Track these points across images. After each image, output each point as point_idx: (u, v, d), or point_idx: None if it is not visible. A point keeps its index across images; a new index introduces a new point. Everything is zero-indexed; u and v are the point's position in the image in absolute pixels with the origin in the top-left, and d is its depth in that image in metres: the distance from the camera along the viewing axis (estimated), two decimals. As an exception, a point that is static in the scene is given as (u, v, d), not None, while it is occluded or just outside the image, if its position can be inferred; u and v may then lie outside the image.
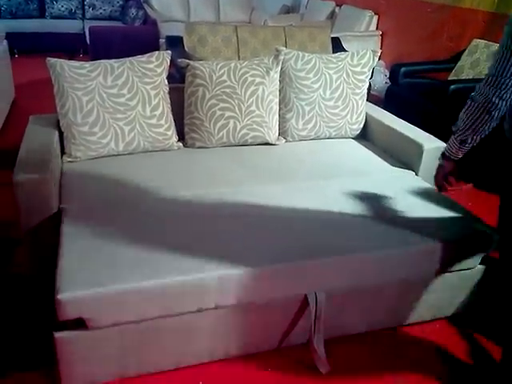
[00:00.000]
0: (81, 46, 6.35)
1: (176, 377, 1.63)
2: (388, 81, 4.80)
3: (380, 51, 5.75)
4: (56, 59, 2.18)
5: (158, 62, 2.33)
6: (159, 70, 2.33)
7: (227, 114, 2.40)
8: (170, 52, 2.39)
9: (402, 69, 4.18)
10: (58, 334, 1.46)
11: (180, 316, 1.56)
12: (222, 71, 2.39)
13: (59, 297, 1.39)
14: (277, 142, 2.57)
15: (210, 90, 2.38)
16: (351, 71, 2.63)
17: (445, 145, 1.73)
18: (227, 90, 2.39)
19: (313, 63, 2.56)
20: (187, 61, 2.41)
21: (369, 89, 4.69)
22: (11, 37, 5.08)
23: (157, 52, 2.36)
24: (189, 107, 2.42)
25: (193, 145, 2.45)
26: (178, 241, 1.67)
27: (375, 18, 5.91)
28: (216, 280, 1.54)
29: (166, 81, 2.37)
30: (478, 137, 1.57)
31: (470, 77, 3.88)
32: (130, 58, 2.31)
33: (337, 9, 6.76)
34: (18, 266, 2.13)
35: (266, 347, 1.75)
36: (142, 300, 1.48)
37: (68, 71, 2.17)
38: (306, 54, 2.59)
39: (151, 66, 2.31)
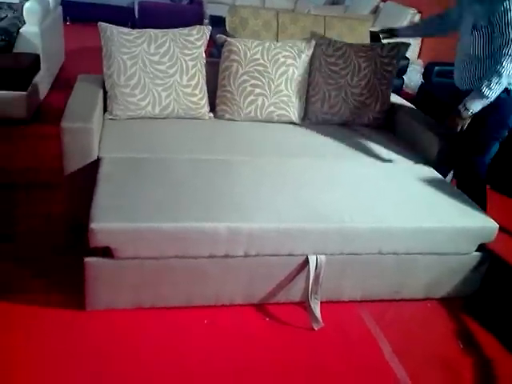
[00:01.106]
0: (129, 19, 6.61)
1: (184, 314, 1.84)
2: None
3: (412, 45, 5.80)
4: (107, 24, 2.40)
5: (199, 36, 2.52)
6: (199, 44, 2.52)
7: (257, 90, 2.57)
8: (210, 27, 2.57)
9: (436, 68, 4.23)
10: (87, 259, 1.68)
11: (193, 259, 1.76)
12: (256, 49, 2.56)
13: (92, 225, 1.61)
14: (301, 123, 2.73)
15: (244, 67, 2.55)
16: (380, 62, 2.74)
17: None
18: (259, 68, 2.56)
19: (343, 50, 2.69)
20: (225, 37, 2.59)
21: (402, 85, 4.76)
22: (65, 5, 5.37)
23: (198, 26, 2.54)
24: (222, 81, 2.60)
25: (222, 116, 2.64)
26: (197, 194, 1.87)
27: (418, 16, 5.93)
28: (227, 231, 1.73)
29: (203, 54, 2.55)
30: None
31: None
32: (173, 30, 2.50)
33: (381, 4, 6.80)
34: (58, 205, 2.36)
35: (268, 300, 1.93)
36: (161, 239, 1.69)
37: (117, 36, 2.38)
38: (339, 41, 2.72)
39: (192, 38, 2.50)
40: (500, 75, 2.08)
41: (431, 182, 2.24)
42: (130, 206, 1.73)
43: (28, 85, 3.20)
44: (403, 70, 4.50)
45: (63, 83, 4.04)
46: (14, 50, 3.37)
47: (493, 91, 2.11)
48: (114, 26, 2.41)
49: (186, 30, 2.53)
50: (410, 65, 5.47)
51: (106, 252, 1.68)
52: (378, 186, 2.15)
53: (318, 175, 2.17)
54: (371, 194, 2.07)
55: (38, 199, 2.49)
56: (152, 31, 2.47)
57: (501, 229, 2.79)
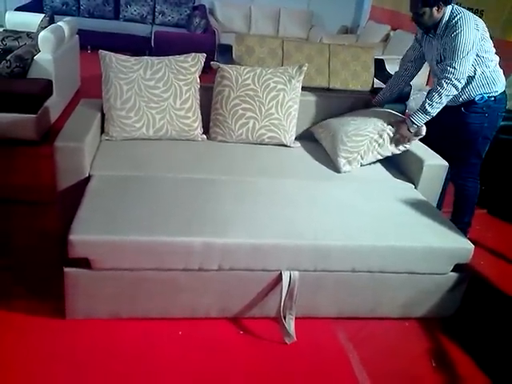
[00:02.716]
0: (147, 48, 6.88)
1: (160, 324, 1.91)
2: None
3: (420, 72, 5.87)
4: (106, 52, 2.57)
5: (193, 63, 2.66)
6: (193, 70, 2.66)
7: (248, 113, 2.68)
8: (204, 54, 2.72)
9: (438, 94, 4.27)
10: (67, 269, 1.78)
11: (169, 271, 1.84)
12: (248, 75, 2.68)
13: (71, 237, 1.72)
14: (292, 145, 2.81)
15: (235, 91, 2.67)
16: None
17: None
18: (250, 93, 2.68)
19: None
20: (218, 63, 2.73)
21: (405, 111, 4.82)
22: (86, 34, 5.68)
23: (193, 54, 2.69)
24: (215, 104, 2.73)
25: (215, 138, 2.75)
26: (178, 210, 1.96)
27: (426, 44, 6.01)
28: (201, 245, 1.81)
29: (198, 79, 2.69)
30: None
31: (504, 104, 3.93)
32: (169, 57, 2.65)
33: (392, 32, 6.92)
34: (53, 220, 2.49)
35: (243, 314, 1.98)
36: (137, 252, 1.78)
37: (115, 63, 2.54)
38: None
39: (186, 65, 2.64)
40: (440, 95, 2.33)
41: (411, 202, 2.28)
42: (111, 219, 1.83)
43: (39, 108, 3.40)
44: (406, 97, 4.56)
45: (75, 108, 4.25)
46: (28, 76, 3.60)
47: (434, 108, 2.36)
48: (113, 54, 2.58)
49: (181, 57, 2.67)
50: (417, 91, 5.54)
51: (86, 263, 1.78)
52: (358, 204, 2.20)
53: (299, 195, 2.24)
54: (348, 213, 2.12)
55: (36, 215, 2.64)
56: (149, 58, 2.63)
57: (495, 253, 2.82)
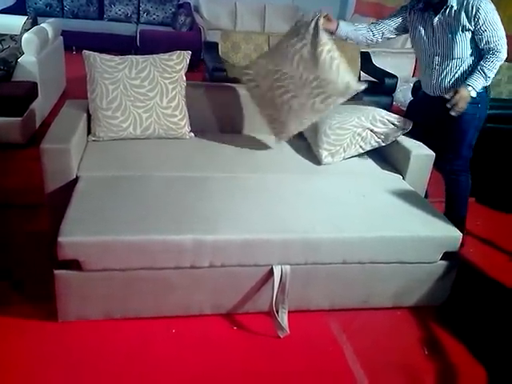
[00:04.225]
0: (133, 47, 6.84)
1: (153, 323, 1.91)
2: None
3: (406, 64, 5.93)
4: (90, 52, 2.55)
5: (178, 60, 2.65)
6: (178, 68, 2.65)
7: (235, 110, 2.69)
8: (190, 52, 2.71)
9: (423, 84, 4.29)
10: (57, 272, 1.77)
11: (160, 270, 1.84)
12: (233, 72, 2.68)
13: (60, 239, 1.71)
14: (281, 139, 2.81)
15: (221, 88, 2.67)
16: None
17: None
18: (237, 89, 2.68)
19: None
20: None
21: (391, 103, 4.84)
22: (71, 35, 5.63)
23: (178, 51, 2.68)
24: (202, 102, 2.72)
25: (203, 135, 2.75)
26: (167, 208, 1.96)
27: (411, 35, 6.04)
28: (192, 242, 1.81)
29: (184, 77, 2.68)
30: None
31: (490, 96, 3.96)
32: (154, 56, 2.64)
33: (378, 25, 6.94)
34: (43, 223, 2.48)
35: (237, 310, 1.99)
36: (127, 252, 1.78)
37: (100, 63, 2.53)
38: None
39: (171, 63, 2.63)
40: (499, 59, 2.28)
41: (399, 192, 2.30)
42: (100, 220, 1.83)
43: (24, 111, 3.37)
44: (392, 89, 4.59)
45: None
46: (13, 79, 3.56)
47: (492, 72, 2.29)
48: (97, 54, 2.56)
49: (166, 56, 2.66)
50: (405, 83, 5.57)
51: (76, 265, 1.77)
52: (347, 196, 2.22)
53: (288, 189, 2.24)
54: (337, 205, 2.13)
55: (27, 217, 2.62)
56: (134, 57, 2.62)
57: (484, 241, 2.85)
